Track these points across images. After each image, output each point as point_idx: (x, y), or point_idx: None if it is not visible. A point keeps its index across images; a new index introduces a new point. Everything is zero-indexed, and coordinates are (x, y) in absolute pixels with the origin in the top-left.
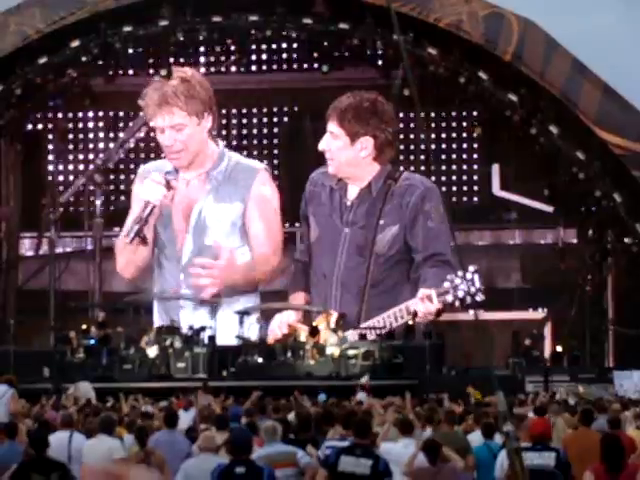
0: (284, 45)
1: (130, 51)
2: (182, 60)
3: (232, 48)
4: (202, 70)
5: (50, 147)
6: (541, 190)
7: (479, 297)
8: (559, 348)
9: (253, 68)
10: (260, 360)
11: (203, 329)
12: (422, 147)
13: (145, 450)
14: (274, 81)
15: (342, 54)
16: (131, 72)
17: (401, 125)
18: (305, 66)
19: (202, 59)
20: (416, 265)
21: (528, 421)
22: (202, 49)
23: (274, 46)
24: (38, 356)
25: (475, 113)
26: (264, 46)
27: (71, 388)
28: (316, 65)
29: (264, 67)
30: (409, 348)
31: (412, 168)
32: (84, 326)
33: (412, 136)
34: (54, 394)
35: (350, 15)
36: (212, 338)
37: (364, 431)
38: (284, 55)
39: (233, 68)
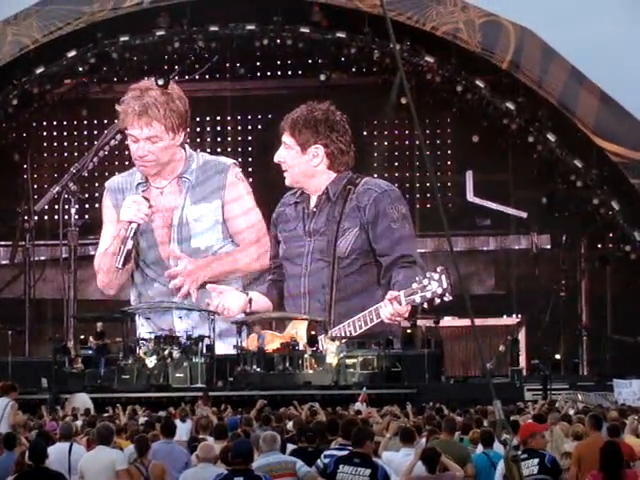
0: (280, 53)
1: (126, 60)
2: (176, 68)
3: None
4: (196, 77)
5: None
6: (539, 198)
7: (447, 297)
8: (558, 356)
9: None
10: (259, 370)
11: (201, 339)
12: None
13: (143, 460)
14: (266, 88)
15: (339, 62)
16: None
17: (396, 132)
18: (302, 73)
19: (196, 66)
20: (384, 269)
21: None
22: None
23: (271, 54)
24: (36, 366)
25: (449, 120)
26: (261, 54)
27: (67, 399)
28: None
29: (258, 74)
30: (408, 357)
31: (408, 174)
32: (82, 336)
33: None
34: (52, 405)
35: (347, 24)
36: (210, 348)
37: (362, 440)
38: (279, 63)
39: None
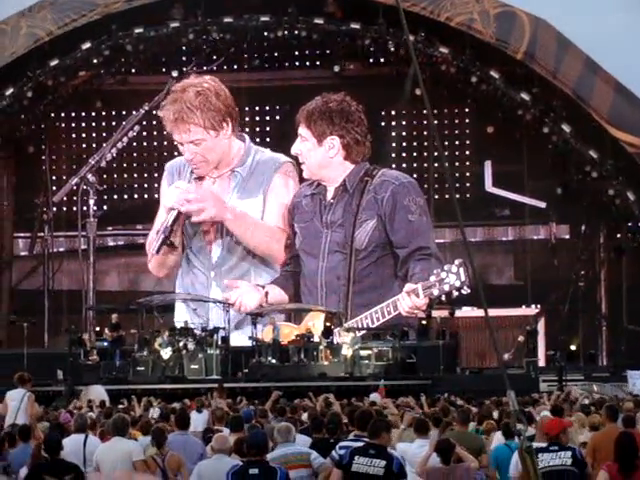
0: (295, 45)
1: (141, 52)
2: (193, 59)
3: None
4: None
5: (44, 147)
6: (554, 188)
7: (465, 290)
8: (573, 347)
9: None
10: (274, 361)
11: (216, 330)
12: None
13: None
14: (288, 79)
15: (354, 54)
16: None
17: (415, 122)
18: (316, 64)
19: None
20: (401, 261)
21: (543, 421)
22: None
23: (286, 45)
24: (51, 358)
25: (467, 110)
26: (276, 45)
27: (83, 391)
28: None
29: (275, 65)
30: (423, 348)
31: (425, 165)
32: (97, 328)
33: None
34: (68, 396)
35: (361, 15)
36: (225, 339)
37: (378, 431)
38: (295, 54)
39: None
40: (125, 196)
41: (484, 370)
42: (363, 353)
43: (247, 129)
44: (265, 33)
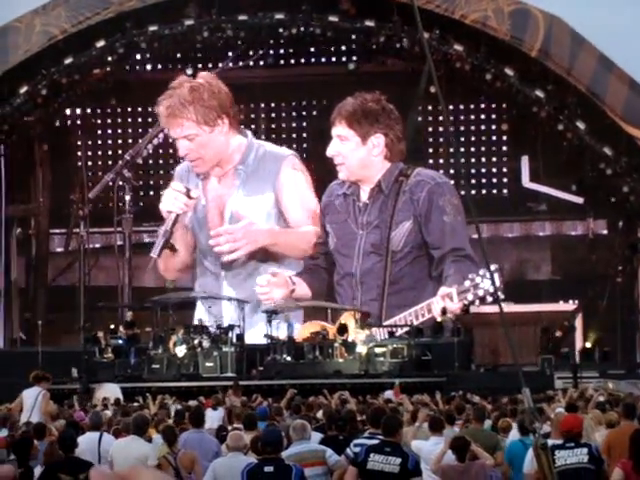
0: (310, 42)
1: (155, 50)
2: (205, 55)
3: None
4: (228, 64)
5: (79, 143)
6: (569, 185)
7: (499, 295)
8: (588, 344)
9: (281, 63)
10: (289, 359)
11: (231, 328)
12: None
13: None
14: (303, 75)
15: (369, 51)
16: (159, 67)
17: (430, 118)
18: (331, 60)
19: (229, 54)
20: (436, 262)
21: (558, 418)
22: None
23: (300, 43)
24: (66, 356)
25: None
26: (290, 43)
27: (97, 389)
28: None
29: (292, 62)
30: (437, 345)
31: (441, 161)
32: (112, 325)
33: (440, 129)
34: (83, 394)
35: (376, 12)
36: (240, 337)
37: (393, 429)
38: (309, 51)
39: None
40: (161, 192)
41: (499, 367)
42: (378, 350)
43: (252, 126)
44: (279, 30)
